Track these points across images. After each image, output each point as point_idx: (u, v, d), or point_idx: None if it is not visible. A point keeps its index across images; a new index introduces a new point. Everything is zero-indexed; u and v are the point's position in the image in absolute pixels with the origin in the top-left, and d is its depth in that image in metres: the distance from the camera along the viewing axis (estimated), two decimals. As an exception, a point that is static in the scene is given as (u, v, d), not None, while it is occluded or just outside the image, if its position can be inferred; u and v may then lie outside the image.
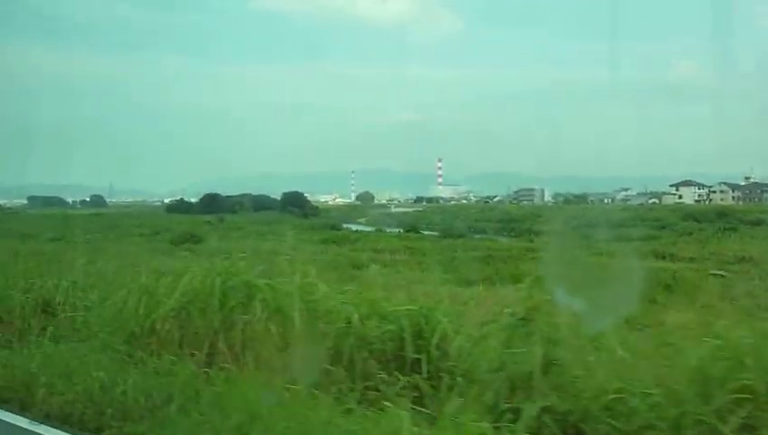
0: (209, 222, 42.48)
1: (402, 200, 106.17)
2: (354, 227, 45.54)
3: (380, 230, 41.77)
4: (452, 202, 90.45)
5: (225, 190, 78.33)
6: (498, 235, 51.78)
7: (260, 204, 72.53)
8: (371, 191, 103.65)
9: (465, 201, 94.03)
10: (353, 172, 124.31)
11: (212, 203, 68.96)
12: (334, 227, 42.51)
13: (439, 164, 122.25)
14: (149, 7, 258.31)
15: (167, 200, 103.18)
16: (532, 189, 72.88)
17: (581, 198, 58.67)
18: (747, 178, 73.15)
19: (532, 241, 32.65)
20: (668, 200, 59.38)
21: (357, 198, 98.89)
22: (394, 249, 23.35)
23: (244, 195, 73.23)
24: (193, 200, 76.91)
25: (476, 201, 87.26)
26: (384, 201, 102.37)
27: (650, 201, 60.74)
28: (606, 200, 60.02)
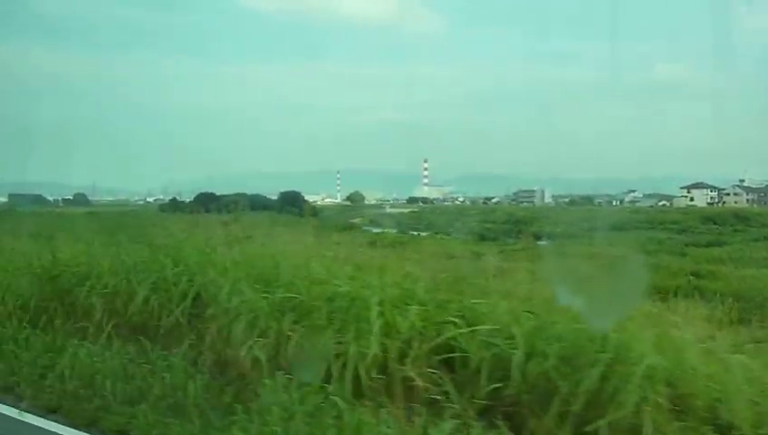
0: (227, 223, 40.49)
1: (389, 200, 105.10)
2: (374, 229, 43.92)
3: (404, 232, 40.13)
4: (446, 203, 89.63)
5: (206, 188, 76.26)
6: (507, 236, 50.83)
7: (256, 203, 70.68)
8: (361, 191, 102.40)
9: (458, 202, 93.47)
10: (339, 172, 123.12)
11: (207, 202, 66.74)
12: (355, 229, 40.76)
13: (425, 165, 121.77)
14: (141, 6, 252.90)
15: (150, 199, 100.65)
16: (533, 191, 72.30)
17: (587, 200, 58.11)
18: (742, 181, 73.73)
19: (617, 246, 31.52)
20: (679, 203, 59.21)
21: (347, 198, 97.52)
22: (460, 255, 21.78)
23: (238, 194, 71.17)
24: (177, 198, 74.61)
25: (471, 202, 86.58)
26: (374, 201, 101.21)
27: (660, 203, 60.56)
28: (614, 202, 59.63)
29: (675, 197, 61.25)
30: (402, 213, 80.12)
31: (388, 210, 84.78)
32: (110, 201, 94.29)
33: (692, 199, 59.52)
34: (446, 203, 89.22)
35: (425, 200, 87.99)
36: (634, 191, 63.00)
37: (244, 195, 71.07)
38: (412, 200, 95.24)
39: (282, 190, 70.44)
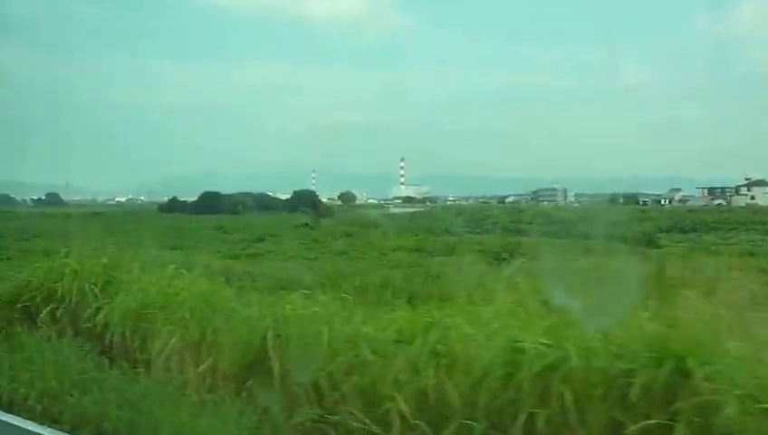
0: (308, 224, 35.02)
1: (368, 200, 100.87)
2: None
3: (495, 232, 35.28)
4: (448, 202, 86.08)
5: (176, 189, 70.76)
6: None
7: (262, 203, 65.21)
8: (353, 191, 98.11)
9: (457, 201, 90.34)
10: (314, 171, 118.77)
11: (211, 202, 60.75)
12: (449, 231, 35.37)
13: (402, 164, 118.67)
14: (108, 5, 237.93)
15: (122, 199, 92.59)
16: (554, 189, 68.96)
17: (631, 199, 55.00)
18: (748, 179, 72.28)
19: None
20: (738, 202, 56.62)
21: (339, 198, 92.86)
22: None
23: (244, 193, 65.43)
24: (177, 197, 67.96)
25: (477, 201, 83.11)
26: (363, 201, 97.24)
27: (715, 203, 57.90)
28: (663, 201, 56.77)
29: (736, 195, 57.66)
30: (408, 212, 75.78)
31: (392, 210, 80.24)
32: (78, 201, 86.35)
33: (752, 198, 57.05)
34: (447, 202, 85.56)
35: (433, 200, 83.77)
36: (679, 190, 60.23)
37: (250, 194, 65.24)
38: (407, 200, 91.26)
39: (295, 190, 65.11)
